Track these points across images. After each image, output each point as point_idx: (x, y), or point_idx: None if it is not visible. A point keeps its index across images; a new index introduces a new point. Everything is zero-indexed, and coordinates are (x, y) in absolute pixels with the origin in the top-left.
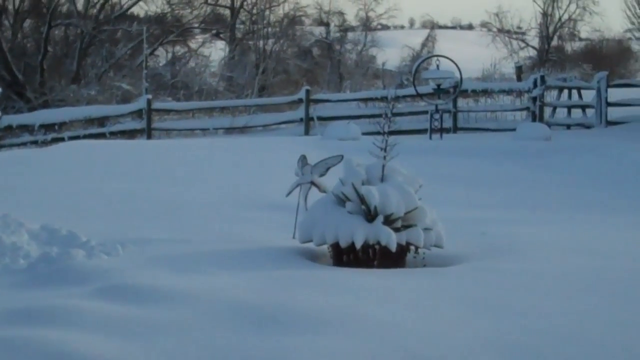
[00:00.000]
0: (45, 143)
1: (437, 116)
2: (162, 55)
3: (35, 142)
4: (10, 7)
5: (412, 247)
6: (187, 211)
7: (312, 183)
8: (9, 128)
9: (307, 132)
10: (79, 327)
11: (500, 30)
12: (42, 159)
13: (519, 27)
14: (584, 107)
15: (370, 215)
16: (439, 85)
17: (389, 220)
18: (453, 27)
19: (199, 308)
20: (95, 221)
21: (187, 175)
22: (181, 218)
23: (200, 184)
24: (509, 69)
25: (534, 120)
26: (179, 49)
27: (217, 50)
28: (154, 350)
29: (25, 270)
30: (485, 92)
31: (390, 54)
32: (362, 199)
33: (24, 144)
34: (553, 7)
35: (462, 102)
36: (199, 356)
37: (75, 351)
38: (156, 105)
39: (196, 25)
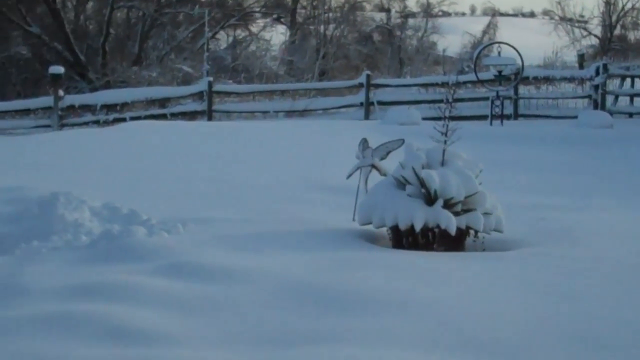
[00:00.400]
0: (107, 123)
1: (497, 102)
2: (223, 39)
3: (97, 122)
4: None
5: (472, 231)
6: (248, 192)
7: (373, 166)
8: (71, 107)
9: (367, 117)
10: (140, 303)
11: (562, 19)
12: (104, 138)
13: (581, 16)
14: None
15: (430, 199)
16: (500, 72)
17: (448, 204)
18: (514, 15)
19: (259, 287)
20: (156, 200)
21: (248, 156)
22: (242, 198)
23: (260, 166)
24: (570, 57)
25: (595, 108)
26: (240, 33)
27: (277, 35)
28: (214, 327)
29: (87, 246)
30: (547, 80)
31: (451, 40)
32: (422, 183)
33: (86, 124)
34: None
35: (523, 89)
36: (257, 334)
37: (136, 326)
38: (217, 87)
39: (257, 9)
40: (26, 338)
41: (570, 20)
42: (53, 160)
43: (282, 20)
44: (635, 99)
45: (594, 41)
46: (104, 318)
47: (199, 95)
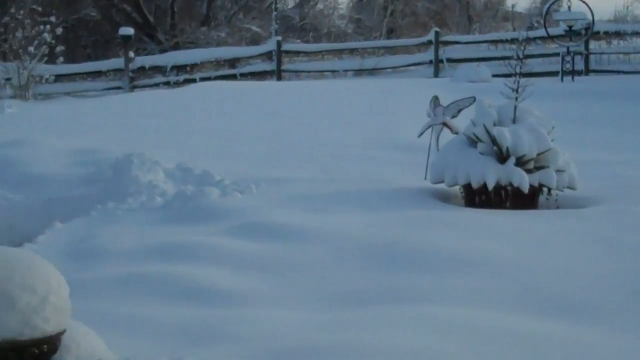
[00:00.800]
0: (177, 84)
1: (568, 58)
2: None
3: (167, 83)
4: None
5: (545, 189)
6: (318, 151)
7: (444, 124)
8: (141, 69)
9: (436, 74)
10: (214, 263)
11: None
12: (175, 99)
13: None
14: None
15: (502, 157)
16: (570, 27)
17: (521, 162)
18: None
19: (331, 246)
20: (228, 160)
21: (318, 116)
22: (313, 158)
23: (330, 125)
24: None
25: None
26: None
27: None
28: (286, 286)
29: (162, 207)
30: (618, 34)
31: None
32: (493, 140)
33: (156, 85)
34: None
35: (594, 44)
36: (329, 293)
37: (211, 286)
38: (286, 47)
39: None
40: (104, 299)
41: None
42: (125, 121)
43: None
44: None
45: None
46: (179, 279)
47: (267, 55)
